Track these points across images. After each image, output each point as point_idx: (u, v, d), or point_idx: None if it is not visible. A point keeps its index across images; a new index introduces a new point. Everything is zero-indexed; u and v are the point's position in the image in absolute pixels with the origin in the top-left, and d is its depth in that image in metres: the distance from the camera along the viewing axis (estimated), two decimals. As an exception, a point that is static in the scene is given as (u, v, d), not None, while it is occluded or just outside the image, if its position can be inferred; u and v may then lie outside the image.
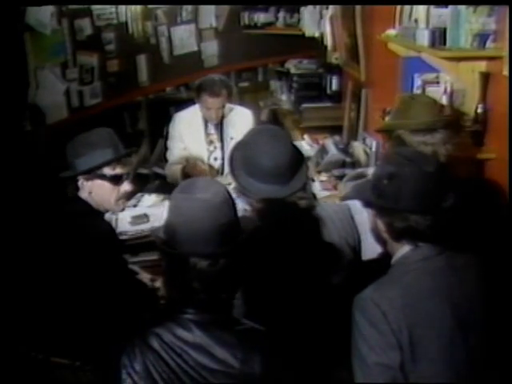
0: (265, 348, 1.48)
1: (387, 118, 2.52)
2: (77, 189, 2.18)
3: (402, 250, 1.65)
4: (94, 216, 2.20)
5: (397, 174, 1.61)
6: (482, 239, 1.98)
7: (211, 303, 1.49)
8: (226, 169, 3.48)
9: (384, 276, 1.63)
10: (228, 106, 3.60)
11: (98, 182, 2.16)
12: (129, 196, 2.38)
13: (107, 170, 2.15)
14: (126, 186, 2.21)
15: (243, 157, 1.96)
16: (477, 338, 1.57)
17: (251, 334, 1.51)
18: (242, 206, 2.09)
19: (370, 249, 2.24)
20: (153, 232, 1.61)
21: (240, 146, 2.03)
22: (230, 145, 3.53)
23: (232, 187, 2.11)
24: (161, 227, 1.57)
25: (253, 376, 1.44)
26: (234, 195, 2.23)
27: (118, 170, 2.17)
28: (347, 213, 2.09)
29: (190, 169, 3.51)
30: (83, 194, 2.18)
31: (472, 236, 1.86)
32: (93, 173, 2.14)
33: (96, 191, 2.17)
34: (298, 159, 1.97)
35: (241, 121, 3.61)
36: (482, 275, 1.64)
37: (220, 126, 3.63)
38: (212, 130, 3.64)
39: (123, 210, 2.49)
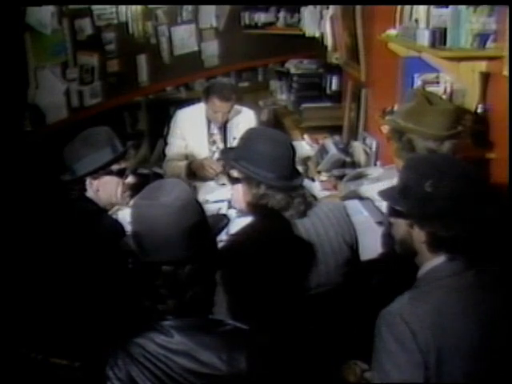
0: (250, 347, 1.46)
1: (396, 115, 2.44)
2: (83, 189, 2.21)
3: (432, 262, 1.54)
4: (103, 215, 2.24)
5: (442, 178, 1.50)
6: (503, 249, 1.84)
7: (187, 308, 1.47)
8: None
9: (412, 290, 1.55)
10: (234, 107, 3.57)
11: (106, 178, 2.22)
12: (131, 194, 2.39)
13: (113, 166, 2.21)
14: (130, 179, 2.29)
15: (246, 151, 1.96)
16: (503, 358, 1.49)
17: (235, 334, 1.49)
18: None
19: (368, 249, 2.24)
20: (123, 241, 1.59)
21: (236, 146, 2.05)
22: (233, 145, 3.53)
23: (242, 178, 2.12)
24: (129, 236, 1.55)
25: (240, 376, 1.42)
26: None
27: (123, 164, 2.25)
28: (343, 211, 2.10)
29: (197, 166, 3.51)
30: (90, 193, 2.22)
31: (497, 247, 1.71)
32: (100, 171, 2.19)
33: (103, 188, 2.22)
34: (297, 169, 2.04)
35: (244, 121, 3.60)
36: (508, 290, 1.54)
37: (223, 127, 3.62)
38: (215, 130, 3.63)
39: (128, 203, 2.52)
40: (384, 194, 1.69)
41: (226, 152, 2.09)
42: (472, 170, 1.56)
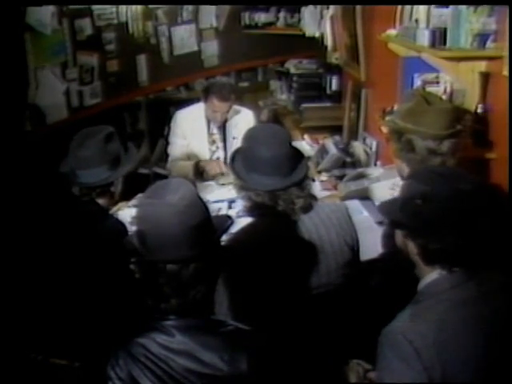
0: (251, 348, 1.46)
1: (395, 116, 2.44)
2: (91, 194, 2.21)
3: (431, 275, 1.53)
4: (105, 214, 2.24)
5: (432, 193, 1.49)
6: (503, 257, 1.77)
7: (189, 307, 1.47)
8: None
9: (413, 305, 1.53)
10: (233, 107, 3.59)
11: None
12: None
13: None
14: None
15: (243, 153, 1.98)
16: (510, 369, 1.46)
17: (236, 334, 1.49)
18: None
19: (369, 249, 2.24)
20: (126, 240, 1.58)
21: (240, 147, 2.06)
22: (232, 145, 3.54)
23: (233, 185, 2.14)
24: (133, 235, 1.54)
25: (241, 377, 1.43)
26: (236, 194, 2.26)
27: None
28: (345, 212, 2.10)
29: (204, 166, 3.51)
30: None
31: (499, 255, 1.65)
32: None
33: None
34: (296, 153, 2.00)
35: (243, 121, 3.62)
36: (509, 299, 1.51)
37: (223, 127, 3.63)
38: (214, 129, 3.64)
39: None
40: (383, 205, 1.72)
41: (232, 156, 2.10)
42: (470, 183, 1.52)
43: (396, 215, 1.58)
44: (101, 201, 2.21)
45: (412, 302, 1.54)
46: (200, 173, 3.50)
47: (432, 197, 1.49)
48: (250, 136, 2.01)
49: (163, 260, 1.45)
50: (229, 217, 1.69)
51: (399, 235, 1.60)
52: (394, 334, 1.45)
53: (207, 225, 1.51)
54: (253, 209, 1.99)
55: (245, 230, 1.99)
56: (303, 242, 1.95)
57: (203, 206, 1.53)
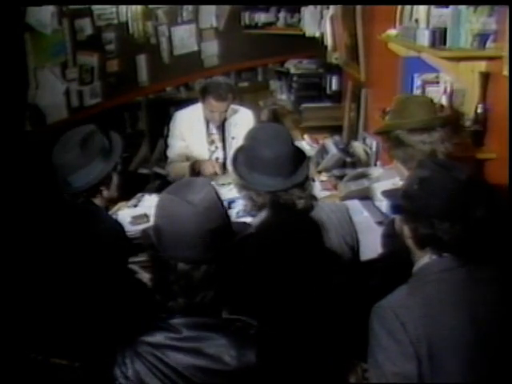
0: (258, 343, 1.47)
1: (386, 119, 2.50)
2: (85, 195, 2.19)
3: (425, 259, 1.59)
4: (103, 214, 2.23)
5: (428, 179, 1.57)
6: (501, 250, 1.85)
7: (197, 308, 1.47)
8: (228, 168, 3.49)
9: (404, 285, 1.59)
10: (231, 107, 3.58)
11: None
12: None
13: None
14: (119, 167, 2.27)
15: (245, 152, 1.98)
16: (498, 353, 1.50)
17: (244, 330, 1.49)
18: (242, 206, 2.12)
19: (369, 249, 2.24)
20: (143, 231, 1.58)
21: (242, 145, 2.06)
22: (231, 144, 3.53)
23: (234, 184, 2.14)
24: (150, 228, 1.55)
25: (248, 372, 1.43)
26: (235, 194, 2.26)
27: None
28: (345, 212, 2.10)
29: (199, 166, 3.51)
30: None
31: (493, 247, 1.73)
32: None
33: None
34: (299, 154, 2.01)
35: (242, 120, 3.61)
36: (504, 289, 1.56)
37: (222, 127, 3.62)
38: (213, 129, 3.64)
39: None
40: (387, 191, 1.85)
41: (234, 155, 2.10)
42: (468, 176, 1.57)
43: (395, 198, 1.69)
44: (97, 201, 2.21)
45: (404, 284, 1.60)
46: (196, 173, 3.49)
47: (428, 183, 1.56)
48: (252, 135, 2.01)
49: (174, 257, 1.45)
50: (248, 224, 1.68)
51: (398, 220, 1.68)
52: (383, 308, 1.53)
53: (224, 230, 1.50)
54: (253, 208, 2.00)
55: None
56: (302, 241, 1.95)
57: (224, 210, 1.52)
